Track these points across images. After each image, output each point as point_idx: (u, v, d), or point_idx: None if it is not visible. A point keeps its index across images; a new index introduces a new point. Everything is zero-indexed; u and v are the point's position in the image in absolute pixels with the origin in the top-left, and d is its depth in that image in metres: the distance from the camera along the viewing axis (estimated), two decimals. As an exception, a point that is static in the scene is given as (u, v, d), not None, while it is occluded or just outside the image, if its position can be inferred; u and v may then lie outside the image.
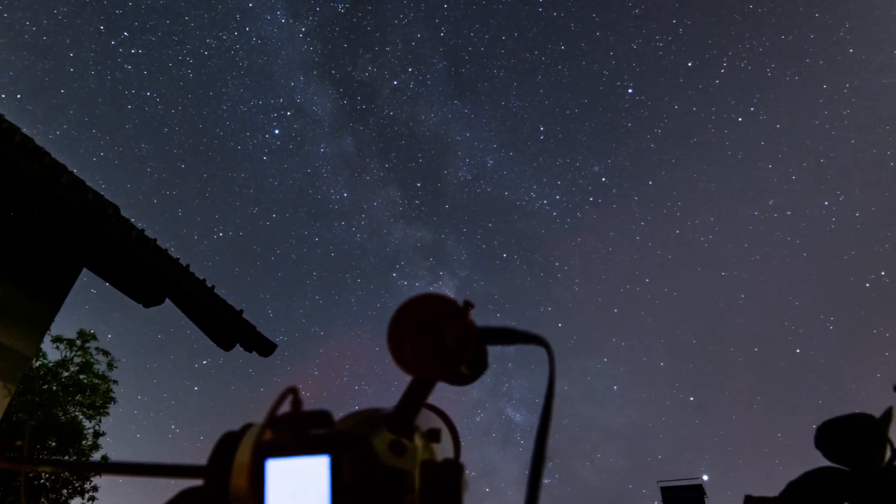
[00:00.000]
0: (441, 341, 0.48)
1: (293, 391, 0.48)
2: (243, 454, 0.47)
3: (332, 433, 0.46)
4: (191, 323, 5.41)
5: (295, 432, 0.46)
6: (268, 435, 0.47)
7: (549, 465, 0.48)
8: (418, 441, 0.51)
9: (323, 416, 0.47)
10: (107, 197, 4.45)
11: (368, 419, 0.52)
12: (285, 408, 0.48)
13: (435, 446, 0.52)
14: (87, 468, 0.64)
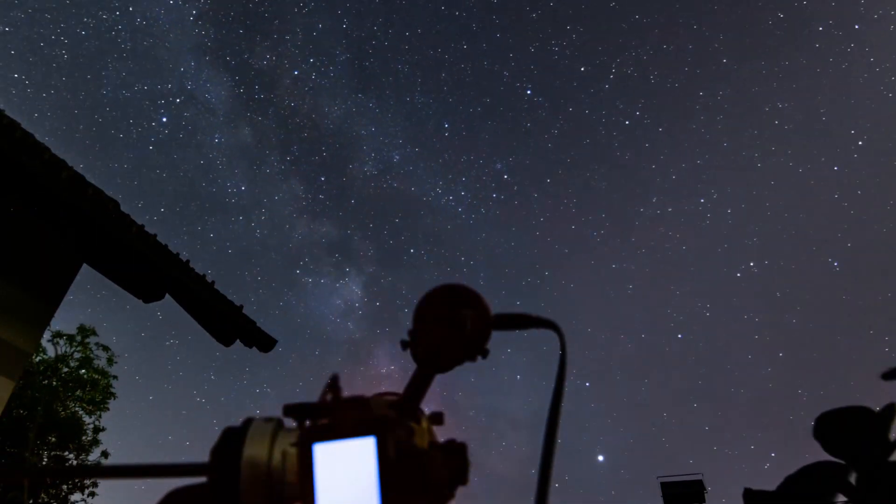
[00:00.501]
0: (463, 328, 0.54)
1: (335, 378, 0.51)
2: (252, 448, 0.48)
3: (374, 415, 0.49)
4: (191, 318, 5.42)
5: (338, 417, 0.49)
6: (280, 427, 0.49)
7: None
8: (424, 424, 0.53)
9: (361, 402, 0.52)
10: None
11: (379, 405, 0.53)
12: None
13: (436, 429, 0.54)
14: (86, 474, 0.64)
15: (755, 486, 1.09)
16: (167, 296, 5.23)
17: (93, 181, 4.26)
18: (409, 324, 0.57)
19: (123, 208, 4.50)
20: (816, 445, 1.05)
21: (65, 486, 12.65)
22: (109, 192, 4.39)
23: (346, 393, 0.52)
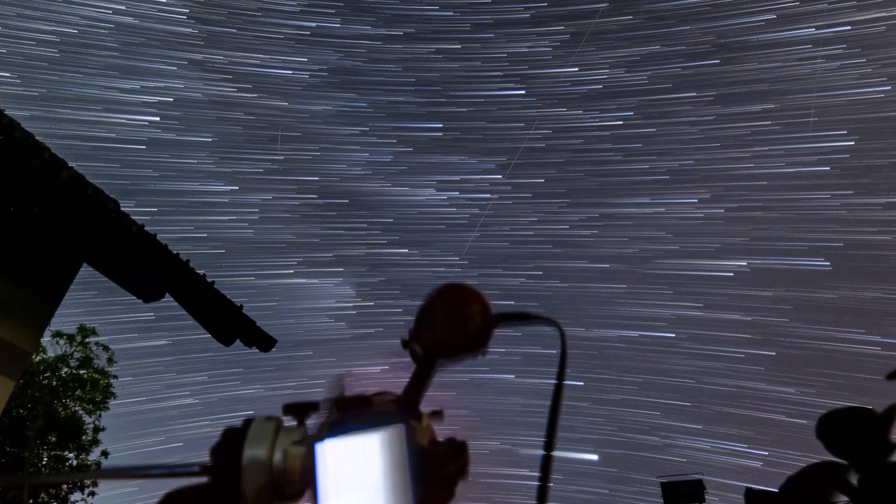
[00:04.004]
0: (467, 324, 0.56)
1: (343, 378, 0.52)
2: (254, 447, 0.48)
3: (390, 406, 0.52)
4: (191, 317, 5.42)
5: (345, 413, 0.50)
6: (281, 425, 0.50)
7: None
8: (424, 421, 0.53)
9: (365, 399, 0.52)
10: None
11: (380, 402, 0.53)
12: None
13: (436, 427, 0.54)
14: (85, 476, 0.65)
15: (755, 487, 1.09)
16: (167, 295, 5.23)
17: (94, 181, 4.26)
18: (407, 323, 0.58)
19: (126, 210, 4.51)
20: (817, 445, 1.05)
21: (65, 486, 12.65)
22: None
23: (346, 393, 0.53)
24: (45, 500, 12.51)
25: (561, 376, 0.57)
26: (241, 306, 5.56)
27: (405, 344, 0.56)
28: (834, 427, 0.99)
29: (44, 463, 12.60)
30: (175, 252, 4.97)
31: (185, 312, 5.36)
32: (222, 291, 5.33)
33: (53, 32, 29.87)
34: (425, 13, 35.59)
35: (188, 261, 5.07)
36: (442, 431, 0.54)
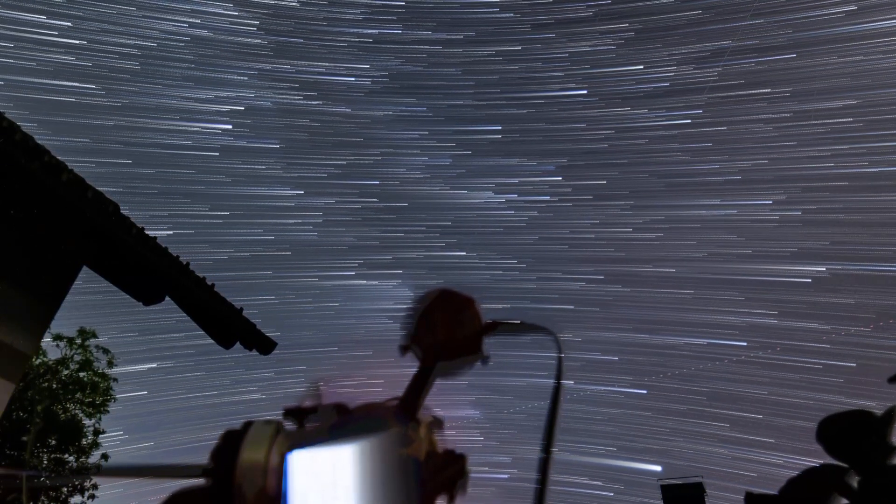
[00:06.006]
0: (464, 327, 0.58)
1: (317, 387, 0.52)
2: (250, 451, 0.48)
3: (385, 412, 0.52)
4: (191, 321, 5.42)
5: (317, 423, 0.51)
6: (279, 430, 0.50)
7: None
8: (422, 432, 0.53)
9: (340, 409, 0.53)
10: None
11: (373, 411, 0.53)
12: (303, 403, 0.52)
13: (436, 437, 0.54)
14: (93, 475, 0.65)
15: (756, 490, 1.09)
16: (167, 298, 5.23)
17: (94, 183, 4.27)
18: (402, 328, 0.59)
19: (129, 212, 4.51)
20: (818, 448, 1.04)
21: (65, 489, 12.63)
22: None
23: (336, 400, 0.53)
24: (45, 502, 12.49)
25: (558, 383, 0.58)
26: (242, 309, 5.56)
27: (404, 350, 0.56)
28: (834, 431, 0.99)
29: (44, 465, 12.58)
30: (175, 255, 4.97)
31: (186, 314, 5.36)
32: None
33: (135, 46, 31.90)
34: (485, 16, 35.77)
35: (188, 263, 5.07)
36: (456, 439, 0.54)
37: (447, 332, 0.57)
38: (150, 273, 4.89)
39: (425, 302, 0.59)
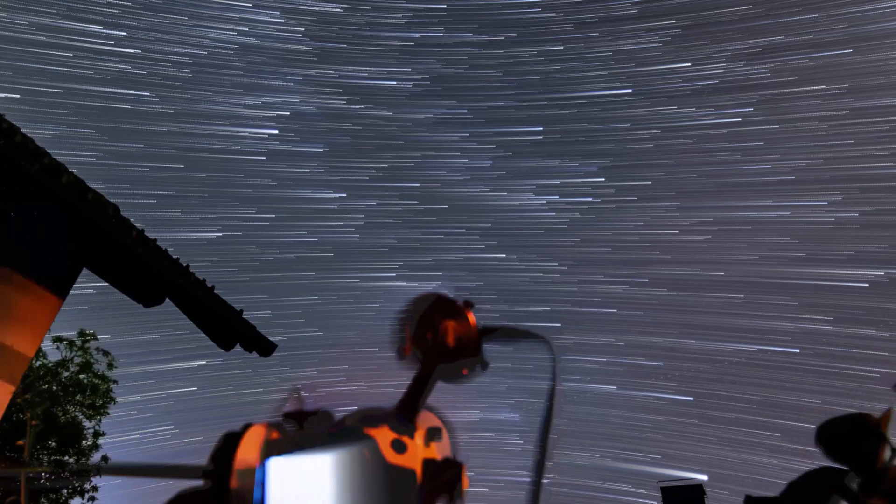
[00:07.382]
0: (461, 331, 0.58)
1: (297, 391, 0.51)
2: (246, 453, 0.48)
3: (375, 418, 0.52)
4: (191, 323, 5.42)
5: (299, 430, 0.50)
6: (274, 434, 0.49)
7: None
8: (419, 439, 0.52)
9: (323, 416, 0.52)
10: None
11: (369, 417, 0.53)
12: (289, 407, 0.51)
13: (435, 445, 0.53)
14: (92, 470, 0.65)
15: (755, 493, 1.09)
16: (167, 300, 5.23)
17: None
18: (400, 330, 0.59)
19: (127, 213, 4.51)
20: (817, 451, 1.04)
21: (64, 491, 12.62)
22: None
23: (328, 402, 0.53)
24: (45, 505, 12.48)
25: (553, 388, 0.58)
26: (241, 311, 5.56)
27: (400, 354, 0.56)
28: (833, 433, 0.99)
29: (44, 467, 12.57)
30: (175, 257, 4.97)
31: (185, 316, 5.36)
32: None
33: (186, 54, 32.82)
34: (527, 16, 35.47)
35: (188, 265, 5.08)
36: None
37: (447, 333, 0.57)
38: (149, 275, 4.89)
39: (422, 305, 0.59)
